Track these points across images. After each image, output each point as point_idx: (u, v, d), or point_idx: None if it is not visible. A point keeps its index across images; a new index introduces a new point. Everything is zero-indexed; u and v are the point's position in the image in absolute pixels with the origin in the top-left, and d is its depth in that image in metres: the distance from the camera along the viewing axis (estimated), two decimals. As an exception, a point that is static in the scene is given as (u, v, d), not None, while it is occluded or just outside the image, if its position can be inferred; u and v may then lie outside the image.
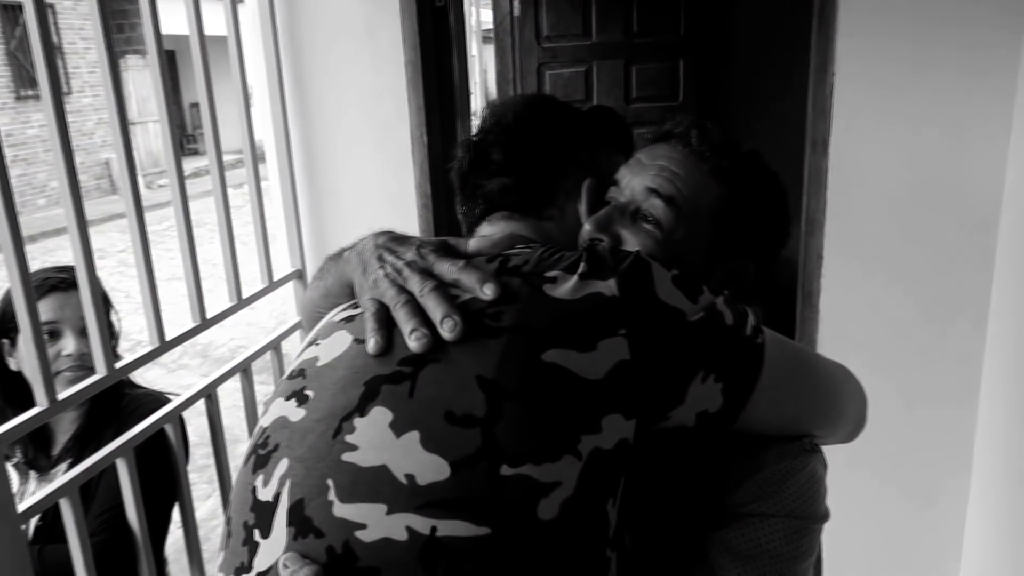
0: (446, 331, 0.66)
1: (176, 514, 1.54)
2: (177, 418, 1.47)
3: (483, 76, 5.83)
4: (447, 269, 0.72)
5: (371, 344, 0.69)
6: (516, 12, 3.98)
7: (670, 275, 0.70)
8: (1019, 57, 1.56)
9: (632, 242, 0.87)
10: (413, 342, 0.67)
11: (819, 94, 1.67)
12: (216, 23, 1.69)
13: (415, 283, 0.71)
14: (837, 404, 0.87)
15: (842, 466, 1.86)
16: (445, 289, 0.70)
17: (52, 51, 1.19)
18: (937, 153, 1.64)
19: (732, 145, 0.92)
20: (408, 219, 1.90)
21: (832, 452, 1.84)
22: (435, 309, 0.68)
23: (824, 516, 0.82)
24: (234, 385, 1.71)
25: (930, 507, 1.86)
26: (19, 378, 1.44)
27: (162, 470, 1.46)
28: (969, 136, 1.62)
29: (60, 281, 1.45)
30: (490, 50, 4.48)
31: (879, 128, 1.65)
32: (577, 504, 0.62)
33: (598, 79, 4.00)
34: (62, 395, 1.21)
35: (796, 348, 0.82)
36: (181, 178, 1.48)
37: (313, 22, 1.85)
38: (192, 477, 1.50)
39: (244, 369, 1.69)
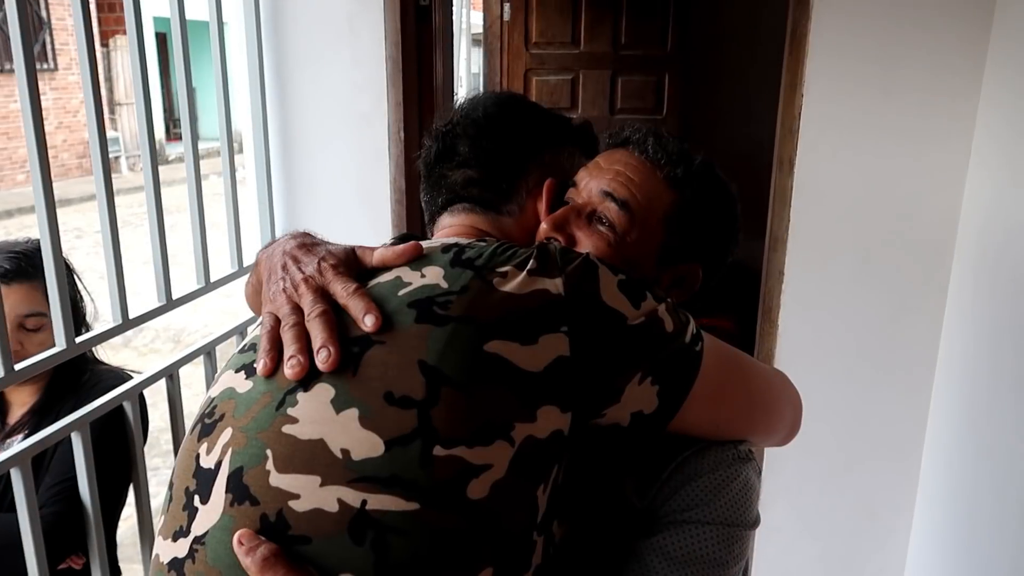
0: (319, 360, 0.67)
1: (131, 496, 1.54)
2: (136, 396, 1.48)
3: (471, 78, 5.85)
4: (339, 290, 0.73)
5: (260, 366, 0.70)
6: (506, 17, 4.01)
7: (616, 279, 0.73)
8: (980, 83, 1.61)
9: (586, 243, 0.90)
10: (287, 369, 0.68)
11: (788, 114, 1.71)
12: (203, 8, 1.71)
13: (307, 303, 0.72)
14: (772, 410, 0.90)
15: (792, 478, 1.91)
16: (331, 315, 0.71)
17: (28, 25, 1.20)
18: (898, 174, 1.69)
19: (686, 154, 0.96)
20: (381, 213, 1.92)
21: (783, 463, 1.88)
22: (315, 336, 0.69)
23: (756, 522, 0.85)
24: (202, 372, 1.72)
25: (875, 520, 1.90)
26: None
27: (118, 447, 1.47)
28: (930, 158, 1.67)
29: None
30: (479, 52, 4.52)
31: (844, 148, 1.70)
32: (506, 486, 0.65)
33: (584, 88, 4.05)
34: (20, 365, 1.22)
35: (735, 355, 0.85)
36: (154, 158, 1.49)
37: (296, 13, 1.86)
38: (156, 462, 1.51)
39: (208, 352, 1.70)
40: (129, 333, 1.46)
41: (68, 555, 1.42)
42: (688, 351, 0.75)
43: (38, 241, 1.48)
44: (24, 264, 1.42)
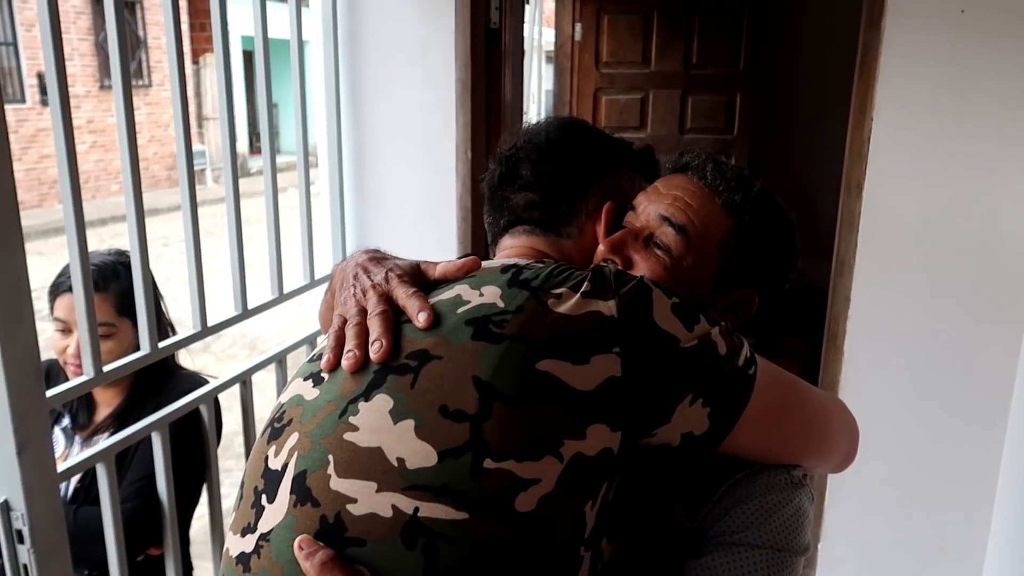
0: (372, 351, 0.73)
1: (204, 496, 1.62)
2: (212, 400, 1.56)
3: (543, 95, 5.90)
4: (401, 294, 0.79)
5: (324, 362, 0.77)
6: (578, 36, 4.05)
7: (670, 302, 0.74)
8: (1059, 112, 1.56)
9: (642, 266, 0.92)
10: (344, 361, 0.74)
11: (856, 137, 1.69)
12: (286, 27, 1.80)
13: (371, 304, 0.79)
14: (826, 435, 0.89)
15: (855, 509, 1.87)
16: (389, 315, 0.77)
17: (125, 44, 1.29)
18: (971, 201, 1.65)
19: (745, 181, 0.96)
20: (447, 229, 1.97)
21: (846, 493, 1.84)
22: (373, 331, 0.75)
23: (806, 549, 0.84)
24: (274, 378, 1.80)
25: (945, 557, 1.84)
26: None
27: (194, 447, 1.55)
28: (1005, 186, 1.62)
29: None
30: (551, 69, 4.57)
31: (914, 173, 1.66)
32: (554, 501, 0.67)
33: (653, 107, 4.04)
34: (108, 367, 1.31)
35: (789, 379, 0.85)
36: (235, 172, 1.58)
37: (372, 33, 1.94)
38: (229, 464, 1.58)
39: (280, 360, 1.77)
40: (208, 339, 1.55)
41: (146, 547, 1.50)
42: (741, 374, 0.76)
43: (116, 252, 1.59)
44: (95, 276, 1.49)
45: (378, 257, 0.88)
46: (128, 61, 1.31)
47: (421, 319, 0.74)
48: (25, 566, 1.15)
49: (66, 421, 1.59)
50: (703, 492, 0.83)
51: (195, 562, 1.71)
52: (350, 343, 0.76)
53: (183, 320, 1.60)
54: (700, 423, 0.74)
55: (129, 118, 1.30)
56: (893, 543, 1.88)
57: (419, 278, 0.82)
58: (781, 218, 0.98)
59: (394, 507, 0.65)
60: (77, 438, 1.57)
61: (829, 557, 1.93)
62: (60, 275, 1.53)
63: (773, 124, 4.06)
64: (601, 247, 0.94)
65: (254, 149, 14.46)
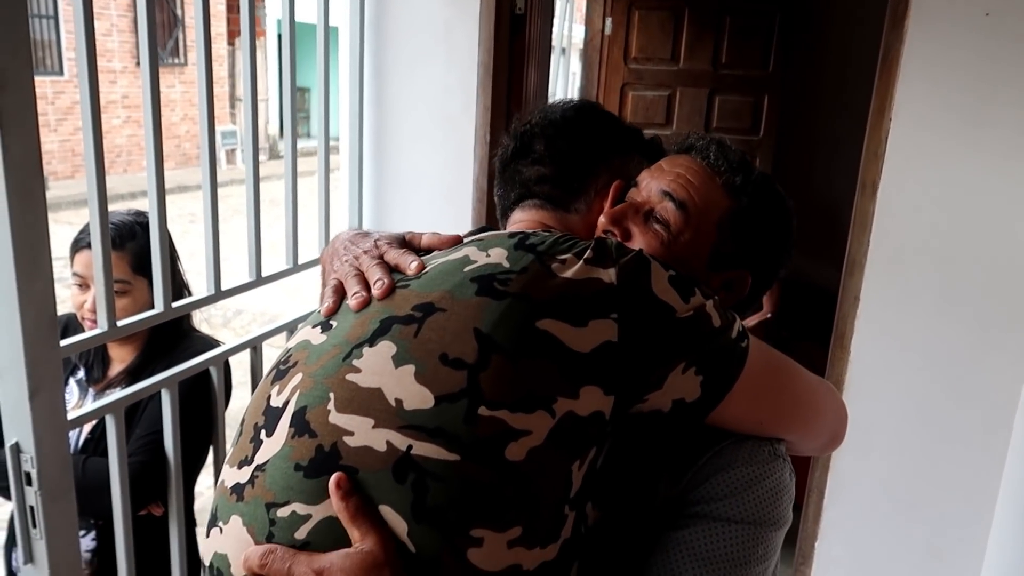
0: (375, 289, 0.79)
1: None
2: (222, 363, 1.60)
3: (572, 93, 5.90)
4: (393, 254, 0.85)
5: (324, 308, 0.82)
6: (608, 30, 4.05)
7: (667, 274, 0.77)
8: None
9: (640, 239, 0.94)
10: (351, 300, 0.80)
11: (874, 137, 1.69)
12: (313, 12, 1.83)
13: (366, 264, 0.85)
14: (813, 414, 0.91)
15: (854, 509, 1.86)
16: (387, 265, 0.83)
17: (154, 23, 1.33)
18: (986, 207, 1.64)
19: (746, 164, 0.98)
20: (463, 210, 2.00)
21: (843, 493, 1.84)
22: (371, 275, 0.81)
23: (785, 522, 0.86)
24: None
25: (941, 562, 1.83)
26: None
27: (202, 408, 1.59)
28: (1018, 192, 1.61)
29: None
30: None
31: (931, 175, 1.66)
32: (543, 455, 0.69)
33: (680, 105, 4.03)
34: (122, 322, 1.34)
35: (780, 357, 0.87)
36: (255, 144, 1.62)
37: (398, 16, 1.97)
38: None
39: (291, 329, 1.81)
40: (229, 314, 1.59)
41: (149, 502, 1.55)
42: (734, 346, 0.78)
43: (135, 213, 1.64)
44: (112, 234, 1.54)
45: (363, 232, 0.93)
46: (155, 40, 1.35)
47: (412, 267, 0.80)
48: (32, 508, 1.19)
49: (81, 374, 1.64)
50: (688, 462, 0.85)
51: (199, 529, 1.74)
52: (353, 288, 0.81)
53: (203, 293, 1.63)
54: (692, 390, 0.76)
55: (155, 95, 1.34)
56: (890, 545, 1.88)
57: (406, 246, 0.87)
58: (779, 203, 1.00)
59: (388, 443, 0.68)
60: (91, 391, 1.62)
61: (826, 557, 1.93)
62: (81, 232, 1.58)
63: (799, 128, 4.03)
64: (602, 218, 0.96)
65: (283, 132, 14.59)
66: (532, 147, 1.01)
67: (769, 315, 3.04)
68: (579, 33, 5.97)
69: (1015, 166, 1.61)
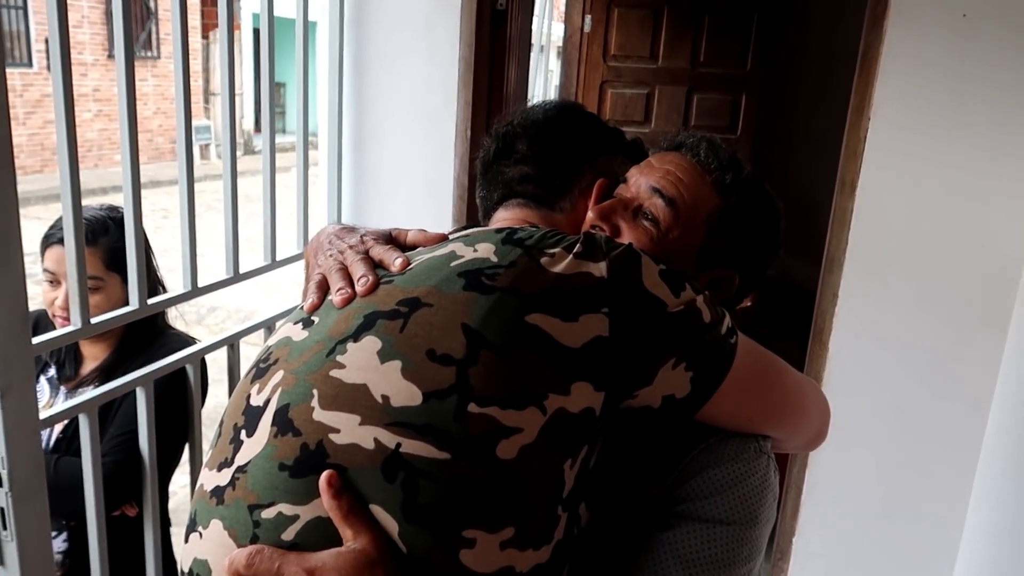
0: (359, 286, 0.77)
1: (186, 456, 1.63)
2: (198, 360, 1.57)
3: (550, 91, 5.89)
4: (378, 250, 0.83)
5: (307, 304, 0.81)
6: (587, 28, 4.05)
7: (658, 268, 0.76)
8: (1055, 122, 1.57)
9: (629, 235, 0.93)
10: (335, 296, 0.78)
11: (853, 135, 1.70)
12: (294, 6, 1.81)
13: (350, 258, 0.83)
14: (800, 410, 0.91)
15: (832, 505, 1.88)
16: (370, 260, 0.81)
17: (130, 16, 1.30)
18: (963, 206, 1.66)
19: (736, 163, 0.98)
20: (443, 207, 1.98)
21: (823, 489, 1.85)
22: (356, 271, 0.80)
23: (769, 521, 0.86)
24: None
25: (918, 557, 1.85)
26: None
27: (178, 406, 1.56)
28: (997, 195, 1.63)
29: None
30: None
31: (909, 174, 1.67)
32: (535, 453, 0.68)
33: (658, 103, 4.04)
34: (96, 319, 1.31)
35: (768, 354, 0.87)
36: (233, 137, 1.60)
37: (379, 10, 1.94)
38: (212, 435, 1.59)
39: (269, 327, 1.79)
40: (203, 311, 1.56)
41: (123, 503, 1.52)
42: (724, 342, 0.77)
43: (108, 208, 1.61)
44: (85, 230, 1.49)
45: (348, 227, 0.91)
46: (131, 24, 1.32)
47: (397, 263, 0.78)
48: (2, 509, 1.16)
49: (52, 372, 1.60)
50: (675, 458, 0.84)
51: (173, 529, 1.71)
52: (337, 283, 0.79)
53: (179, 290, 1.60)
54: (682, 386, 0.75)
55: (130, 88, 1.31)
56: (868, 541, 1.90)
57: (392, 242, 0.86)
58: (768, 203, 1.00)
59: (376, 440, 0.66)
60: (62, 389, 1.59)
61: (803, 552, 1.95)
62: (51, 227, 1.54)
63: (777, 126, 4.06)
64: (590, 214, 0.95)
65: (259, 127, 14.43)
66: (514, 147, 1.00)
67: (748, 303, 3.06)
68: (558, 31, 5.97)
69: (992, 165, 1.63)
